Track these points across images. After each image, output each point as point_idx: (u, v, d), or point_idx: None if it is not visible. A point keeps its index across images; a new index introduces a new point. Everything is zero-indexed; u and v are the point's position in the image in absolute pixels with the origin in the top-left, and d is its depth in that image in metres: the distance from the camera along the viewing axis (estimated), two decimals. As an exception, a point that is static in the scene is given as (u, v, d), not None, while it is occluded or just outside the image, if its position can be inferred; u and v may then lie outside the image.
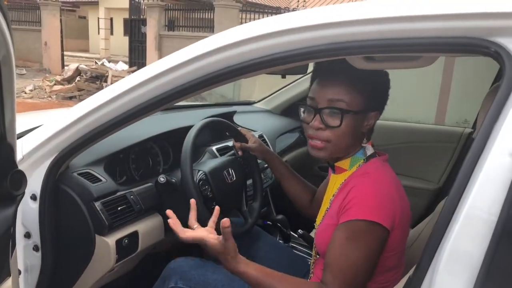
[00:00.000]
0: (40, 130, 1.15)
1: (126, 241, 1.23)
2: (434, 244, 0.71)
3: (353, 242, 0.97)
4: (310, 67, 1.76)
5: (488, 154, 0.68)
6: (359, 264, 0.97)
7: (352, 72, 0.97)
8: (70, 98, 9.17)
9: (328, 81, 1.05)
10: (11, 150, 0.88)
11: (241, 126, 1.94)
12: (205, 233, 1.02)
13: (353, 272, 0.97)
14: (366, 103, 1.05)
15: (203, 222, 1.09)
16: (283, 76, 1.73)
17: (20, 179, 0.90)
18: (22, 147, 1.12)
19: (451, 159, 2.22)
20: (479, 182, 0.67)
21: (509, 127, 0.67)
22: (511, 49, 0.71)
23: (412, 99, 3.34)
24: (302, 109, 1.11)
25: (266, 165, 1.65)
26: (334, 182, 1.14)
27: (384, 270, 1.05)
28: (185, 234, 1.03)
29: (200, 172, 1.38)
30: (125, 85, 1.04)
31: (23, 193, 0.93)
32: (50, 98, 9.12)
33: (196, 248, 1.58)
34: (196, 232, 1.03)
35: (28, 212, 1.15)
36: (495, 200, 0.66)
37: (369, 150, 1.10)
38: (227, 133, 1.55)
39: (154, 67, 1.02)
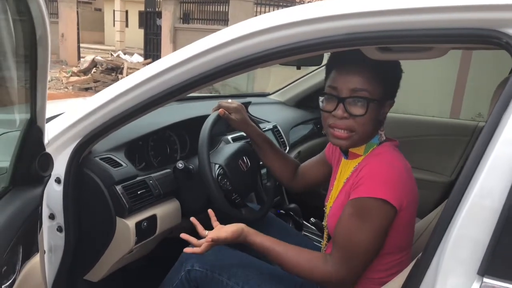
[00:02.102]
0: (64, 116, 1.20)
1: (145, 223, 1.28)
2: (441, 229, 0.74)
3: (361, 219, 1.00)
4: (325, 60, 1.79)
5: (495, 143, 0.70)
6: (365, 241, 1.00)
7: (370, 61, 0.99)
8: (86, 89, 9.30)
9: (350, 71, 1.07)
10: (41, 134, 0.93)
11: (256, 117, 1.98)
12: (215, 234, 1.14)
13: (358, 248, 1.01)
14: (384, 92, 1.08)
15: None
16: (298, 68, 1.76)
17: (48, 161, 0.96)
18: (47, 132, 1.17)
19: (464, 153, 2.23)
20: (486, 170, 0.70)
21: None
22: (521, 40, 0.73)
23: (428, 94, 3.34)
24: (321, 99, 1.12)
25: None
26: (347, 167, 1.17)
27: (395, 251, 1.08)
28: (203, 248, 1.12)
29: (218, 166, 1.41)
30: (144, 75, 1.08)
31: (50, 175, 0.99)
32: (66, 89, 9.26)
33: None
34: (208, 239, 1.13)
35: (52, 194, 1.20)
36: (501, 188, 0.68)
37: (383, 137, 1.13)
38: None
39: (172, 57, 1.05)
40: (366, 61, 1.01)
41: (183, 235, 1.15)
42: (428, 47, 0.91)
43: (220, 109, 1.38)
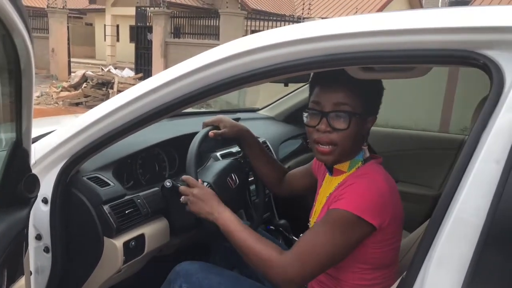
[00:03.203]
0: (52, 135, 1.20)
1: (133, 243, 1.28)
2: (425, 245, 0.74)
3: (331, 227, 1.01)
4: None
5: (476, 161, 0.72)
6: (326, 249, 1.01)
7: (352, 78, 1.02)
8: (77, 104, 9.27)
9: (332, 86, 1.10)
10: (26, 155, 0.93)
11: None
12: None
13: (317, 253, 1.01)
14: (366, 107, 1.11)
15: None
16: (286, 84, 1.77)
17: (34, 182, 0.95)
18: (34, 152, 1.17)
19: (452, 166, 2.25)
20: (468, 187, 0.71)
21: (495, 135, 0.71)
22: (498, 61, 0.75)
23: (417, 107, 3.39)
24: (306, 114, 1.15)
25: None
26: (331, 183, 1.18)
27: (380, 266, 1.09)
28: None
29: (206, 184, 1.41)
30: (134, 93, 1.09)
31: (36, 196, 0.98)
32: (57, 104, 9.22)
33: (201, 252, 1.62)
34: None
35: (39, 214, 1.19)
36: (482, 205, 0.70)
37: (367, 153, 1.15)
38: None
39: (162, 75, 1.07)
40: (348, 78, 1.03)
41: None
42: (409, 67, 0.94)
43: (210, 132, 1.40)
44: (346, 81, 1.06)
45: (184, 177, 1.24)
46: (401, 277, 0.79)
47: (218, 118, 1.46)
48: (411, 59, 0.84)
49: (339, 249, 1.02)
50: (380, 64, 0.89)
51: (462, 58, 0.79)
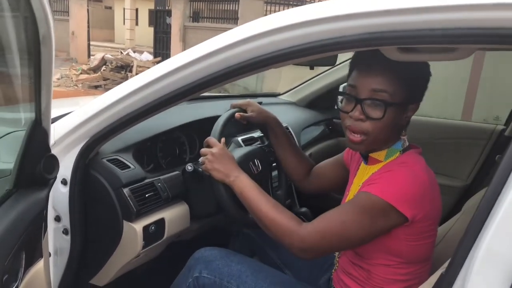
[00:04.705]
0: (72, 116, 1.17)
1: (152, 227, 1.25)
2: (468, 242, 0.69)
3: (358, 209, 0.97)
4: (339, 59, 1.74)
5: None
6: (348, 228, 0.97)
7: (393, 61, 0.93)
8: (96, 87, 9.33)
9: (370, 70, 1.01)
10: (46, 135, 0.90)
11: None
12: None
13: (337, 230, 0.98)
14: (407, 95, 1.02)
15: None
16: (311, 68, 1.71)
17: (53, 163, 0.93)
18: (54, 132, 1.14)
19: (481, 156, 2.17)
20: None
21: None
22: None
23: (439, 95, 3.28)
24: (340, 97, 1.09)
25: None
26: (365, 172, 1.12)
27: (414, 261, 1.04)
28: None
29: None
30: (153, 75, 1.04)
31: (55, 177, 0.95)
32: (76, 87, 9.30)
33: (221, 238, 1.60)
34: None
35: (58, 196, 1.17)
36: None
37: (406, 142, 1.08)
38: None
39: (182, 57, 1.02)
40: (388, 61, 0.94)
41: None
42: (452, 48, 0.86)
43: (236, 114, 1.38)
44: (388, 65, 0.97)
45: (207, 138, 1.24)
46: (440, 273, 0.74)
47: (247, 101, 1.43)
48: (458, 39, 0.77)
49: (362, 232, 0.98)
50: (422, 44, 0.82)
51: None
